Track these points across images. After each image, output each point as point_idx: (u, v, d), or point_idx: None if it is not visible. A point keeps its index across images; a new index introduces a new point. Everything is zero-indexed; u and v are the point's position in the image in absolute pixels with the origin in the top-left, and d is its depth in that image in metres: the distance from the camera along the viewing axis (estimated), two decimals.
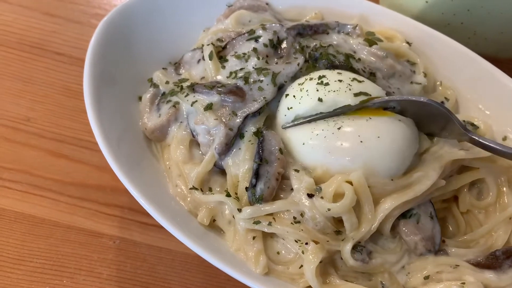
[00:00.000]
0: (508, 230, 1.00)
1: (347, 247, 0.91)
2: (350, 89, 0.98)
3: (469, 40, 1.29)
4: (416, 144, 0.99)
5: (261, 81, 1.04)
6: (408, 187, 0.94)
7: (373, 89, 1.01)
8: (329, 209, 0.90)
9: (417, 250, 0.96)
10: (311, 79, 1.02)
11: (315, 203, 0.91)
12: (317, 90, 0.99)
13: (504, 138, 1.11)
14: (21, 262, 1.04)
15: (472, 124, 1.08)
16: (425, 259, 0.95)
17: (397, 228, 0.97)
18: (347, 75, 1.02)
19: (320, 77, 1.01)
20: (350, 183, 0.91)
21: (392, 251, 0.96)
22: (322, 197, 0.91)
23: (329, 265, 0.94)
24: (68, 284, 1.03)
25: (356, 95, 0.98)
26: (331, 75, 1.01)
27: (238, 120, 1.01)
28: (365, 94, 0.98)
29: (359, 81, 1.00)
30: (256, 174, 0.96)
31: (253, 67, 1.06)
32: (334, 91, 0.98)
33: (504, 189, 1.05)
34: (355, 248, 0.92)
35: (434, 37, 1.19)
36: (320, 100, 0.98)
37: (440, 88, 1.18)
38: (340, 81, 1.00)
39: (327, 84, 0.99)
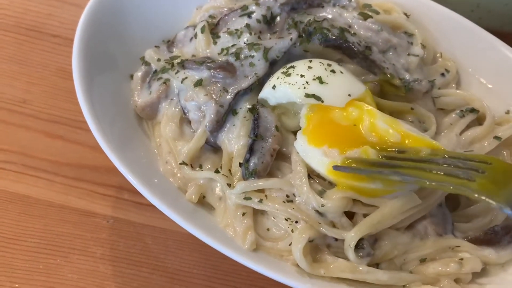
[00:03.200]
0: None
1: (350, 253, 0.87)
2: (305, 87, 0.93)
3: (472, 13, 1.25)
4: None
5: (252, 56, 1.01)
6: (423, 199, 0.90)
7: (342, 86, 0.94)
8: (322, 205, 0.87)
9: (427, 235, 0.93)
10: (284, 67, 0.99)
11: (309, 196, 0.88)
12: (277, 78, 0.97)
13: (508, 112, 1.08)
14: (15, 242, 1.04)
15: (472, 110, 1.04)
16: (424, 242, 0.92)
17: None
18: (318, 70, 0.95)
19: (289, 67, 0.98)
20: None
21: (402, 232, 0.92)
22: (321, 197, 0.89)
23: (320, 241, 0.91)
24: (62, 263, 1.03)
25: (307, 96, 0.92)
26: (301, 67, 0.96)
27: (229, 96, 0.99)
28: (317, 98, 0.92)
29: (322, 82, 0.93)
30: (251, 150, 0.94)
31: (244, 43, 1.04)
32: (289, 84, 0.94)
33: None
34: (356, 246, 0.87)
35: (434, 10, 1.16)
36: (273, 88, 0.96)
37: (440, 59, 1.14)
38: (302, 76, 0.94)
39: (288, 74, 0.96)
